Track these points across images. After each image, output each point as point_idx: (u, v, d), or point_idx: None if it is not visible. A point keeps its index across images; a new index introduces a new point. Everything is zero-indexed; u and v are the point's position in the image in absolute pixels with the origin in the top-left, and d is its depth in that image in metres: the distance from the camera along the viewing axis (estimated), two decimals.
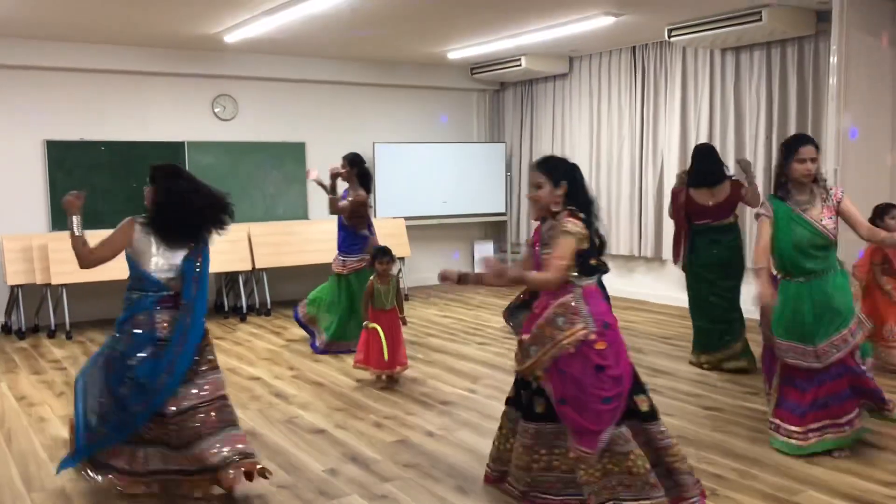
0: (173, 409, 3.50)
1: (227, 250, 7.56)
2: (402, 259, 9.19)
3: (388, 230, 9.19)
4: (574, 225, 3.21)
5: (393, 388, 5.37)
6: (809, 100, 7.02)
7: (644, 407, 3.27)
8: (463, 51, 8.66)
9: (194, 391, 3.55)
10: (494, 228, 10.81)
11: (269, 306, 8.32)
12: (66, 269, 7.21)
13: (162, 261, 3.62)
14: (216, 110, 8.77)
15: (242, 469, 3.50)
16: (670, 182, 8.22)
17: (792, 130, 7.13)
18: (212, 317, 7.84)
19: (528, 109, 10.16)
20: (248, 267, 8.20)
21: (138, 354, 3.51)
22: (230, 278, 8.41)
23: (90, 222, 8.41)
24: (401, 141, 9.80)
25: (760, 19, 6.47)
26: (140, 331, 3.55)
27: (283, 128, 9.15)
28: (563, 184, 3.27)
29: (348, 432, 4.49)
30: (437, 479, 3.78)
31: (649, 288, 8.74)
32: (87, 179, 8.00)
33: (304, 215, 9.27)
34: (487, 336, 7.05)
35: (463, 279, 3.44)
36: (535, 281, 3.32)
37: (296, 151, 9.19)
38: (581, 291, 3.26)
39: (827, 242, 3.98)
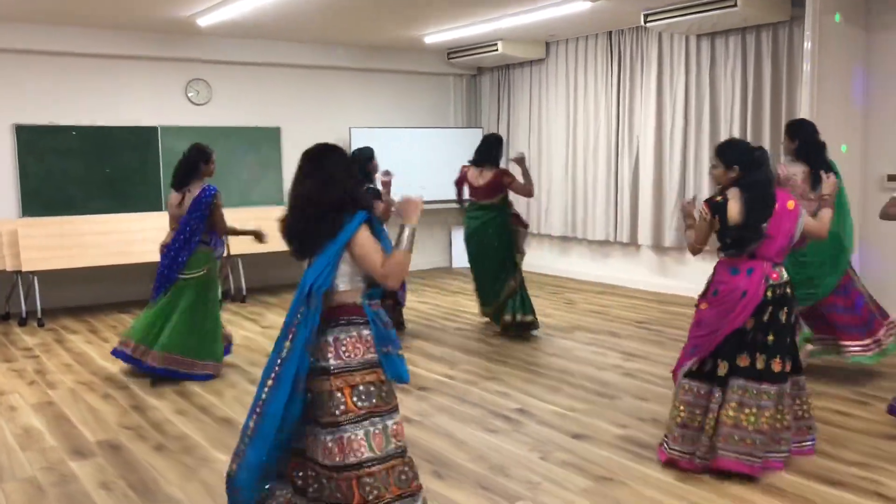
0: None
1: None
2: None
3: None
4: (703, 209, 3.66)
5: None
6: (784, 85, 7.07)
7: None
8: (439, 35, 8.61)
9: None
10: None
11: (244, 293, 8.27)
12: (36, 256, 7.12)
13: None
14: (190, 94, 8.66)
15: None
16: (646, 167, 8.29)
17: (766, 115, 7.19)
18: None
19: (504, 94, 10.15)
20: (224, 253, 8.11)
21: None
22: None
23: (61, 208, 8.33)
24: (377, 126, 9.75)
25: (735, 5, 6.49)
26: None
27: (257, 112, 9.06)
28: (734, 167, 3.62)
29: None
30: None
31: (624, 272, 8.79)
32: (58, 165, 7.89)
33: (279, 201, 9.19)
34: (464, 322, 7.07)
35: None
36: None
37: (271, 136, 9.10)
38: (716, 264, 3.76)
39: None
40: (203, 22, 7.46)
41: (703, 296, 3.74)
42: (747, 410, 3.52)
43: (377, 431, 2.72)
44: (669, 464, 3.68)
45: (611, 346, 6.08)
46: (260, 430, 2.72)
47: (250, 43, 8.70)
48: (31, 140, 7.78)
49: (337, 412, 2.68)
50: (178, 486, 3.58)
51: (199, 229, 5.25)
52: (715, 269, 3.74)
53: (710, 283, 3.73)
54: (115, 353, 5.37)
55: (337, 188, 2.81)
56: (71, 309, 7.81)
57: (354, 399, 2.70)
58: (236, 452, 2.82)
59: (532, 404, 4.68)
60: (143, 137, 8.27)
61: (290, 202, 2.84)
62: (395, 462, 2.75)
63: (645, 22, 7.29)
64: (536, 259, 9.86)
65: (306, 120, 9.36)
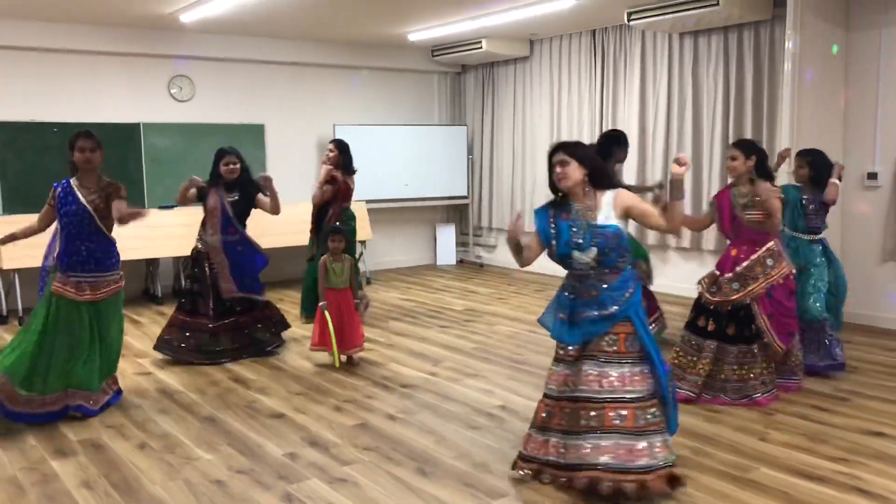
0: None
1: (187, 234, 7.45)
2: (363, 242, 9.16)
3: None
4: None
5: (353, 372, 5.36)
6: (765, 83, 7.12)
7: None
8: (424, 32, 8.61)
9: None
10: (456, 212, 10.82)
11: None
12: (18, 254, 7.03)
13: None
14: (173, 91, 8.61)
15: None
16: (629, 164, 8.29)
17: (748, 113, 7.24)
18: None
19: (489, 92, 10.16)
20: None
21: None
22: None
23: (43, 205, 8.26)
24: (361, 123, 9.73)
25: (717, 3, 6.53)
26: None
27: (241, 109, 9.02)
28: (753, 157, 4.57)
29: (308, 416, 4.47)
30: (397, 461, 3.79)
31: None
32: (39, 162, 7.82)
33: None
34: (448, 319, 7.07)
35: None
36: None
37: (254, 133, 9.07)
38: (778, 241, 4.62)
39: None
40: (185, 18, 7.41)
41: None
42: None
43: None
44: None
45: None
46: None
47: (234, 39, 8.66)
48: (11, 137, 7.71)
49: None
50: (161, 485, 3.57)
51: None
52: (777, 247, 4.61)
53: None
54: None
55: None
56: None
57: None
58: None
59: (515, 401, 4.70)
60: (125, 134, 8.21)
61: None
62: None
63: (628, 20, 7.32)
64: None
65: (290, 117, 9.33)
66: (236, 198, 5.76)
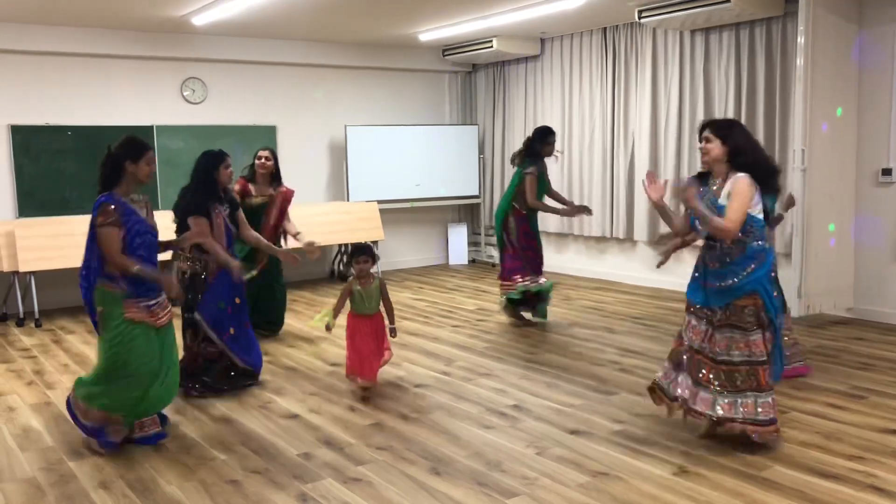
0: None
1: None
2: (375, 243, 9.19)
3: (361, 214, 9.19)
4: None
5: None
6: (777, 80, 7.08)
7: None
8: (434, 32, 8.62)
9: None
10: (468, 211, 10.83)
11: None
12: (33, 256, 7.12)
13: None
14: (185, 93, 8.66)
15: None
16: (641, 163, 8.30)
17: (760, 110, 7.21)
18: None
19: (500, 91, 10.16)
20: None
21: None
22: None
23: (58, 209, 8.32)
24: (373, 123, 9.76)
25: (729, 0, 6.50)
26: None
27: (253, 111, 9.06)
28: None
29: (322, 416, 4.49)
30: (411, 461, 3.81)
31: (621, 268, 8.81)
32: (53, 165, 7.89)
33: None
34: (461, 319, 7.08)
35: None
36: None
37: (267, 135, 9.11)
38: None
39: None
40: (198, 21, 7.46)
41: None
42: None
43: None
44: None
45: (607, 342, 6.10)
46: None
47: (246, 41, 8.70)
48: (26, 141, 7.78)
49: None
50: (177, 485, 3.59)
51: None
52: None
53: None
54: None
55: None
56: (68, 309, 7.81)
57: None
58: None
59: (528, 400, 4.70)
60: (139, 137, 8.24)
61: None
62: None
63: (639, 18, 7.30)
64: None
65: (302, 118, 9.37)
66: (228, 210, 5.02)
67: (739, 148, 3.69)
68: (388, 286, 5.26)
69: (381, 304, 4.94)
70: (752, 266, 3.69)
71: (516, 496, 3.40)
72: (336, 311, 4.92)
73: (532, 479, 3.57)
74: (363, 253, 4.85)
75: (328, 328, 4.85)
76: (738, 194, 3.63)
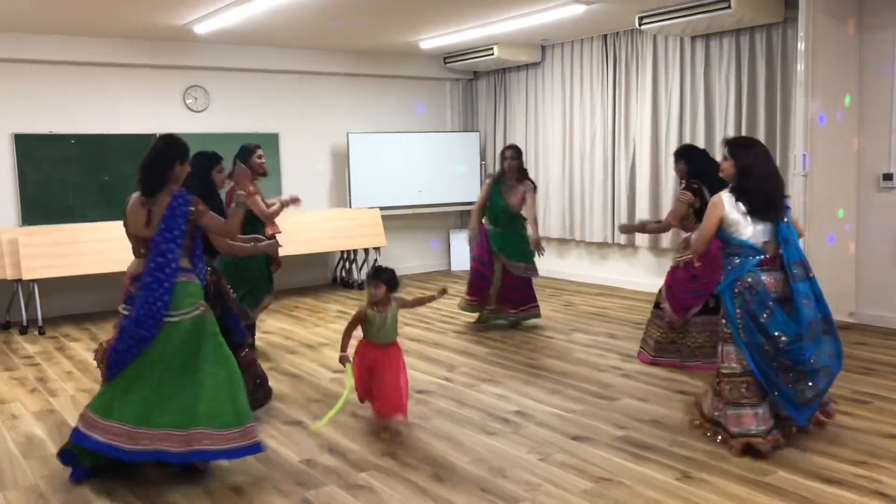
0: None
1: None
2: (377, 249, 9.20)
3: (363, 220, 9.21)
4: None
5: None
6: (778, 86, 7.10)
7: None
8: (435, 40, 8.65)
9: None
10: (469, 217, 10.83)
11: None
12: (37, 264, 7.14)
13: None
14: (188, 102, 8.69)
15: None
16: (642, 169, 8.32)
17: (761, 116, 7.22)
18: None
19: (501, 98, 10.18)
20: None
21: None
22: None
23: (61, 217, 8.33)
24: (375, 131, 9.78)
25: (729, 6, 6.52)
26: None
27: (256, 118, 9.09)
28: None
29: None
30: (413, 467, 3.81)
31: (622, 274, 8.81)
32: (56, 173, 7.91)
33: None
34: (463, 325, 7.08)
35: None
36: None
37: (269, 142, 9.12)
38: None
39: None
40: (200, 29, 7.49)
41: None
42: None
43: None
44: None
45: (610, 348, 6.10)
46: None
47: (248, 49, 8.73)
48: (30, 149, 7.81)
49: None
50: (180, 492, 3.60)
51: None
52: None
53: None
54: (82, 439, 3.64)
55: None
56: (71, 317, 7.83)
57: None
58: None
59: (531, 406, 4.70)
60: (141, 145, 8.26)
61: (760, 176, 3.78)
62: None
63: (639, 24, 7.32)
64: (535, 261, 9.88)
65: (304, 126, 9.39)
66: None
67: (745, 170, 3.82)
68: None
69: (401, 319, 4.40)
70: (722, 276, 3.94)
71: (520, 502, 3.40)
72: (344, 343, 4.29)
73: (535, 485, 3.57)
74: (376, 278, 4.29)
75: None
76: (706, 215, 3.96)
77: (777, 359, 3.77)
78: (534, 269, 6.75)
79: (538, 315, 6.87)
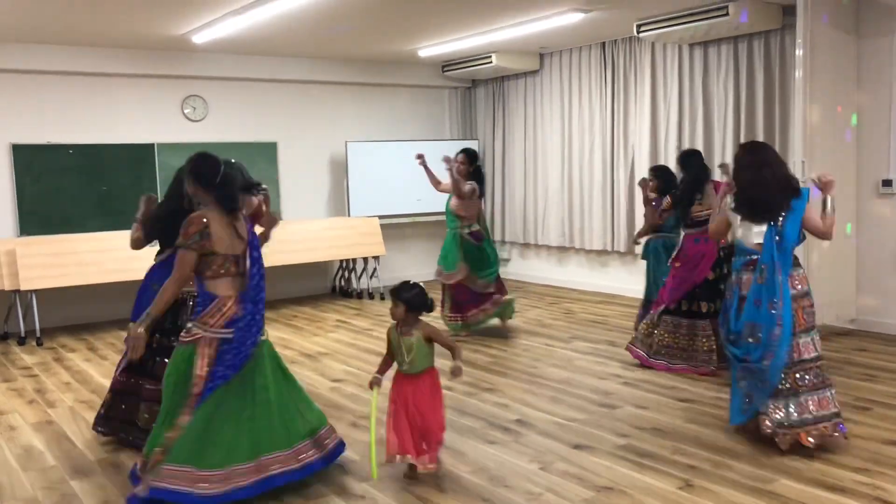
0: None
1: None
2: (376, 258, 9.18)
3: (362, 229, 9.19)
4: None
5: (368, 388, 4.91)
6: (776, 92, 7.11)
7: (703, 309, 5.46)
8: (434, 48, 8.66)
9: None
10: None
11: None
12: (34, 275, 7.12)
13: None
14: (186, 111, 8.69)
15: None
16: (642, 176, 8.30)
17: (760, 123, 7.23)
18: None
19: (499, 106, 10.19)
20: None
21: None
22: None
23: (59, 227, 8.32)
24: (373, 139, 9.78)
25: (727, 14, 6.54)
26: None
27: (254, 128, 9.09)
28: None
29: None
30: (415, 477, 3.78)
31: (622, 282, 8.80)
32: (55, 183, 7.90)
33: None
34: (463, 333, 7.05)
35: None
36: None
37: (268, 151, 9.13)
38: (683, 237, 5.64)
39: None
40: (198, 39, 7.49)
41: (675, 258, 5.55)
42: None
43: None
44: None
45: (610, 356, 6.08)
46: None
47: (246, 59, 8.74)
48: (27, 159, 7.80)
49: None
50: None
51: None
52: (682, 240, 5.56)
53: (680, 250, 5.55)
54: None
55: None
56: (69, 327, 7.81)
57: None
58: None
59: (532, 415, 4.68)
60: (139, 155, 8.29)
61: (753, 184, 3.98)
62: None
63: (637, 32, 7.33)
64: (534, 269, 9.88)
65: (302, 135, 9.39)
66: None
67: (734, 177, 4.13)
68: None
69: (433, 354, 3.80)
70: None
71: None
72: (380, 365, 3.83)
73: (536, 494, 3.55)
74: (395, 295, 3.76)
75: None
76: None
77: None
78: (493, 286, 6.90)
79: (512, 298, 7.06)
